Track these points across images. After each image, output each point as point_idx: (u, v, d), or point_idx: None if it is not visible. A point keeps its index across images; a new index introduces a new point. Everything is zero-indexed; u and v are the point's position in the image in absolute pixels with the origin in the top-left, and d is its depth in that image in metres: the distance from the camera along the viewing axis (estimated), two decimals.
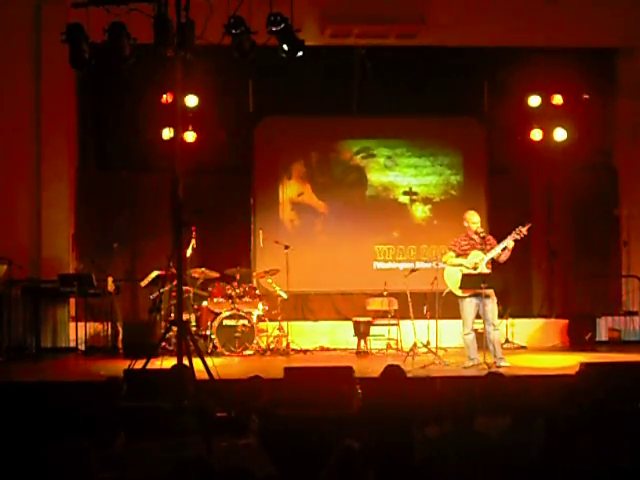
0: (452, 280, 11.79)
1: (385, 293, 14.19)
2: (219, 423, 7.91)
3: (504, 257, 11.64)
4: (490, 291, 11.62)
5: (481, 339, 11.82)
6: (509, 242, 11.52)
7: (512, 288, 15.08)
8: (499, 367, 11.32)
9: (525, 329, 14.92)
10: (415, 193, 15.32)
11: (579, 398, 7.54)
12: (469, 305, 11.68)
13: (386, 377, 8.47)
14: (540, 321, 15.36)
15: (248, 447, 7.24)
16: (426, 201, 15.72)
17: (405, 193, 15.45)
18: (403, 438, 6.82)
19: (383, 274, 15.12)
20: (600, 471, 6.61)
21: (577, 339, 14.81)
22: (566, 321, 15.10)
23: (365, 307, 14.40)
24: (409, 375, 8.90)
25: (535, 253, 15.72)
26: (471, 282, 11.60)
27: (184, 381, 8.53)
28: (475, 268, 11.63)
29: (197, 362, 9.75)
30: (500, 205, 15.55)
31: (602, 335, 15.21)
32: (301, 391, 9.46)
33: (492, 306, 11.66)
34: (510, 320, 14.59)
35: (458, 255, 11.82)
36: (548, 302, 15.89)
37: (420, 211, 15.69)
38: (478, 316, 11.77)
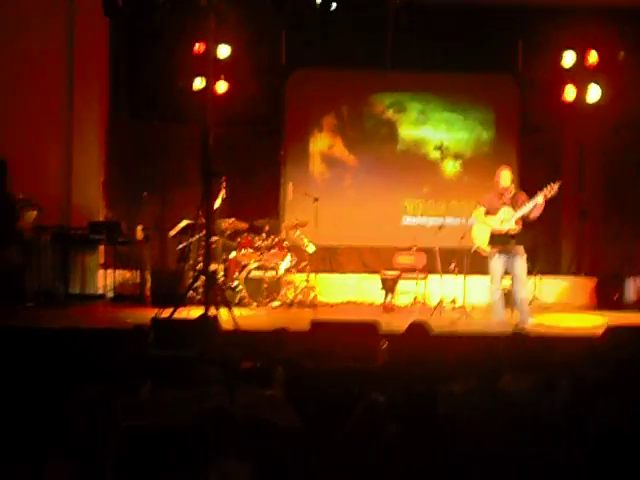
0: (481, 237, 11.76)
1: (414, 248, 14.13)
2: (244, 373, 7.93)
3: (535, 214, 11.56)
4: (519, 248, 11.57)
5: (509, 296, 11.80)
6: (539, 199, 11.43)
7: (541, 246, 15.00)
8: (525, 326, 11.30)
9: (553, 287, 14.86)
10: (446, 148, 15.16)
11: (604, 359, 7.52)
12: (497, 262, 11.64)
13: (411, 334, 8.50)
14: (568, 279, 15.27)
15: (273, 398, 7.27)
16: (457, 157, 15.62)
17: (436, 148, 15.29)
18: (427, 393, 6.82)
19: (412, 229, 15.06)
20: (624, 432, 6.59)
21: (605, 299, 14.76)
22: (594, 280, 15.03)
23: (393, 262, 14.33)
24: (435, 331, 8.89)
25: (565, 212, 15.57)
26: (500, 239, 11.56)
27: (210, 331, 8.58)
28: (504, 224, 11.57)
29: (224, 312, 9.82)
30: (531, 163, 15.41)
31: (630, 296, 15.14)
32: (326, 344, 9.49)
33: (521, 263, 11.60)
34: (538, 277, 14.52)
35: (488, 211, 11.75)
36: (577, 261, 15.76)
37: (451, 167, 15.60)
38: (507, 273, 11.74)
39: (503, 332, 10.70)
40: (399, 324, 11.18)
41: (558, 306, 14.46)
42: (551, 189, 11.43)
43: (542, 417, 6.53)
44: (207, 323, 8.62)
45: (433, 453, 5.56)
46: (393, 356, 9.05)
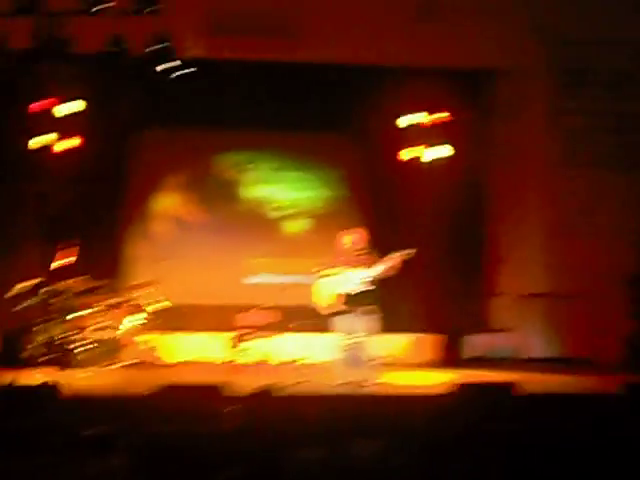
0: (328, 296, 11.73)
1: (258, 307, 14.06)
2: (87, 442, 7.72)
3: (388, 274, 11.63)
4: (367, 308, 11.60)
5: (355, 355, 11.77)
6: (390, 262, 11.47)
7: (384, 303, 15.15)
8: (371, 385, 11.32)
9: (395, 344, 14.89)
10: (290, 208, 15.24)
11: (453, 419, 7.60)
12: (344, 321, 11.61)
13: (255, 397, 8.41)
14: (410, 336, 15.41)
15: (121, 467, 7.09)
16: (301, 216, 15.71)
17: (279, 208, 15.38)
18: (270, 462, 6.72)
19: (257, 288, 15.05)
20: None
21: (447, 356, 15.04)
22: (437, 337, 15.23)
23: (237, 320, 14.23)
24: (281, 393, 8.83)
25: (409, 269, 15.80)
26: (347, 300, 11.57)
27: (49, 398, 8.33)
28: (353, 284, 11.58)
29: (64, 376, 9.56)
30: (376, 221, 15.57)
31: (471, 352, 15.43)
32: (170, 408, 9.33)
33: (368, 322, 11.63)
34: (381, 335, 14.61)
35: (334, 272, 11.75)
36: (418, 318, 15.95)
37: (295, 226, 15.67)
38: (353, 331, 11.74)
39: (352, 392, 10.83)
40: (246, 384, 11.13)
41: (401, 364, 14.51)
42: (403, 255, 11.47)
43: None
44: (45, 390, 8.37)
45: None
46: (239, 421, 8.97)
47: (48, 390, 8.26)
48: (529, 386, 10.26)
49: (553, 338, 15.33)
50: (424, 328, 15.66)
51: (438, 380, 12.09)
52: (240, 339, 13.76)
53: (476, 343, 15.61)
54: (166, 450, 7.60)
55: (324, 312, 11.63)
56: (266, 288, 14.63)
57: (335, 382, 11.47)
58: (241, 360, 13.70)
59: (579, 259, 15.20)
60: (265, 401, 8.23)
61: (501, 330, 15.75)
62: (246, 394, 8.92)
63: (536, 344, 15.59)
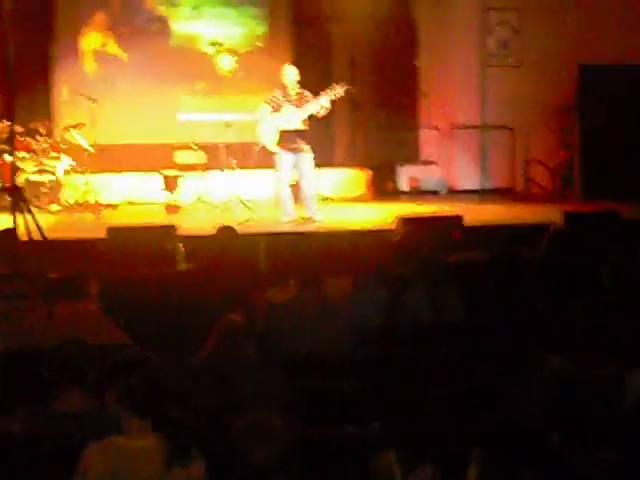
0: (267, 135, 11.80)
1: (194, 146, 14.04)
2: (54, 287, 7.81)
3: (319, 114, 11.72)
4: (306, 146, 11.72)
5: (297, 192, 11.94)
6: (324, 100, 11.55)
7: (315, 138, 15.22)
8: (315, 221, 11.54)
9: (329, 179, 14.98)
10: (220, 44, 15.07)
11: (408, 254, 7.79)
12: (284, 160, 11.73)
13: (219, 237, 8.52)
14: (343, 171, 15.50)
15: (90, 313, 7.21)
16: (232, 52, 15.53)
17: (210, 44, 15.19)
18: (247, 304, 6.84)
19: (190, 126, 14.95)
20: (435, 324, 6.95)
21: (380, 188, 15.28)
22: (369, 171, 15.37)
23: (173, 160, 14.24)
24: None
25: (338, 104, 15.84)
26: (286, 137, 11.65)
27: (11, 244, 8.36)
28: (290, 123, 11.65)
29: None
30: (305, 57, 15.45)
31: (404, 185, 15.70)
32: (126, 251, 9.43)
33: (308, 160, 11.77)
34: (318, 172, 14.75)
35: (274, 109, 11.80)
36: (351, 153, 16.09)
37: (226, 62, 15.49)
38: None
39: (297, 229, 11.01)
40: (189, 225, 11.28)
41: (336, 198, 14.73)
42: (336, 92, 11.54)
43: (363, 318, 6.75)
44: (8, 235, 8.37)
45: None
46: (198, 260, 9.09)
47: (9, 234, 8.27)
48: (467, 218, 10.59)
49: (484, 170, 15.62)
50: (356, 162, 15.82)
51: (381, 214, 12.33)
52: (177, 179, 13.76)
53: (407, 176, 15.86)
54: (134, 293, 7.74)
55: (271, 152, 11.73)
56: (202, 126, 14.56)
57: (282, 219, 11.68)
58: (180, 201, 13.74)
59: (510, 90, 15.40)
60: (227, 239, 8.32)
61: (431, 162, 15.99)
62: (207, 233, 9.05)
63: (466, 176, 15.89)
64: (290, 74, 11.76)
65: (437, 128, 16.00)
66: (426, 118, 16.15)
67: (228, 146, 13.36)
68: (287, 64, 12.03)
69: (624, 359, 4.90)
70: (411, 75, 16.15)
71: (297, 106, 11.68)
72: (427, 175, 15.94)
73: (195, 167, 13.96)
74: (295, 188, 12.05)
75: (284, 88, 11.79)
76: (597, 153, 14.64)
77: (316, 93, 11.70)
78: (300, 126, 11.67)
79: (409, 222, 9.59)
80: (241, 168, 13.00)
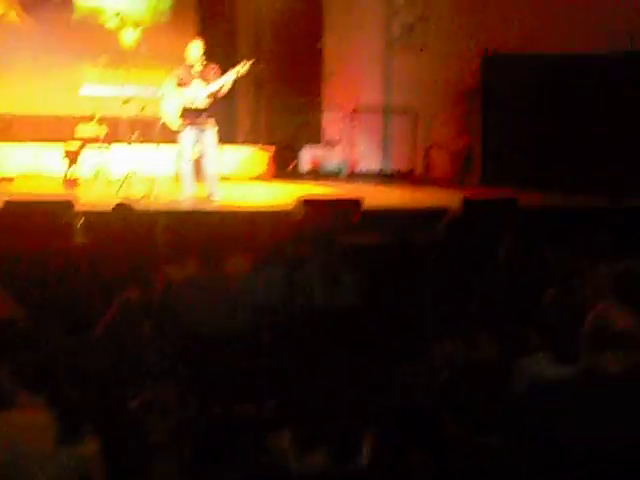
0: (171, 110, 11.71)
1: (95, 118, 13.89)
2: None
3: (224, 91, 11.67)
4: (210, 122, 11.66)
5: (198, 169, 11.86)
6: (230, 75, 11.52)
7: (219, 117, 15.21)
8: (214, 201, 11.51)
9: (230, 158, 14.96)
10: (123, 17, 14.94)
11: (306, 235, 7.83)
12: (188, 136, 11.60)
13: (116, 213, 8.46)
14: (245, 149, 15.51)
15: None
16: (135, 26, 15.39)
17: (113, 16, 15.03)
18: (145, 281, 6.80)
19: (92, 99, 14.79)
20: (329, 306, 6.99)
21: (282, 168, 15.33)
22: (271, 150, 15.40)
23: (74, 132, 14.05)
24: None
25: (242, 82, 15.82)
26: (191, 113, 11.57)
27: None
28: (195, 98, 11.58)
29: None
30: (210, 34, 15.33)
31: (305, 165, 15.77)
32: (22, 224, 9.31)
33: (212, 137, 11.70)
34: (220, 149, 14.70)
35: (180, 84, 11.69)
36: (253, 132, 16.11)
37: (130, 36, 15.37)
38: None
39: (201, 207, 10.98)
40: (88, 199, 11.17)
41: (236, 177, 14.71)
42: (243, 66, 11.53)
43: (262, 299, 6.77)
44: None
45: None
46: (95, 236, 9.02)
47: None
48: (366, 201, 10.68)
49: (386, 153, 15.76)
50: (258, 141, 15.83)
51: (281, 194, 12.39)
52: (77, 152, 13.62)
53: (308, 157, 15.94)
54: (30, 267, 7.66)
55: (174, 127, 11.65)
56: (105, 100, 14.42)
57: (182, 196, 11.63)
58: (79, 174, 13.62)
59: (414, 74, 15.54)
60: (125, 216, 8.27)
61: (334, 144, 16.06)
62: (103, 209, 8.99)
63: (368, 158, 16.02)
64: (195, 49, 11.67)
65: (341, 110, 16.04)
66: (330, 100, 16.22)
67: (131, 121, 13.22)
68: (193, 40, 11.94)
69: (513, 345, 5.02)
70: (317, 56, 16.19)
71: (203, 81, 11.59)
72: (329, 157, 16.02)
73: (96, 141, 13.83)
74: (197, 165, 11.99)
75: (190, 64, 11.71)
76: (498, 140, 14.82)
77: (223, 72, 11.65)
78: (204, 102, 11.60)
79: (308, 203, 9.65)
80: (143, 143, 12.86)
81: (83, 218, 9.68)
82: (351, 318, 6.29)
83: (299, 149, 15.69)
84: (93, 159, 13.72)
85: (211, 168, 11.74)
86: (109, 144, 13.74)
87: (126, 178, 12.34)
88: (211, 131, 11.69)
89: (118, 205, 8.42)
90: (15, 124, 14.80)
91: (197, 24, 15.56)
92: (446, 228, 8.78)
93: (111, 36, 15.20)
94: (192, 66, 11.68)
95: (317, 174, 15.56)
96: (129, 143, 12.91)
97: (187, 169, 11.71)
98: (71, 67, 15.07)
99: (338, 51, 16.13)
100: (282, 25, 15.83)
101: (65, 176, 13.49)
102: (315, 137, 16.18)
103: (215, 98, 11.69)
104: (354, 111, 16.04)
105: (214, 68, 11.71)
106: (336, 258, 7.34)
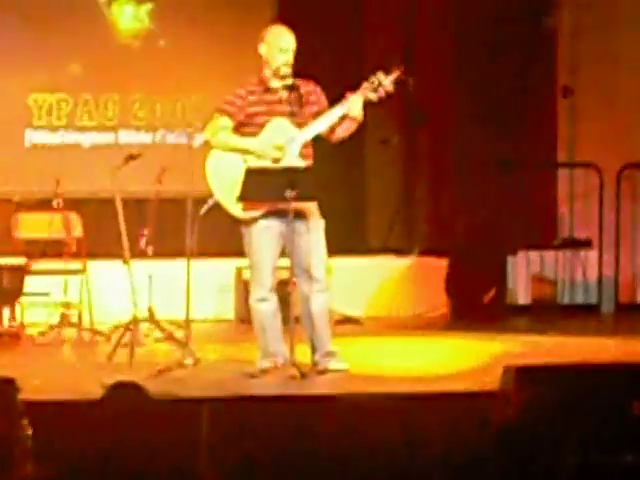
0: (224, 180, 11.70)
1: (57, 202, 14.01)
2: None
3: (343, 133, 11.61)
4: (308, 207, 11.61)
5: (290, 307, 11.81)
6: (354, 103, 11.49)
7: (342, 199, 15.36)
8: (327, 371, 11.42)
9: (360, 280, 15.36)
10: None
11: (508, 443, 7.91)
12: (265, 236, 11.55)
13: (111, 407, 8.49)
14: (388, 263, 16.00)
15: None
16: None
17: None
18: None
19: (47, 155, 15.15)
20: None
21: (466, 301, 15.68)
22: (442, 261, 15.99)
23: (13, 231, 14.25)
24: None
25: (380, 121, 16.02)
26: (266, 186, 11.54)
27: None
28: (279, 153, 11.58)
29: None
30: (326, 17, 15.75)
31: (519, 293, 15.73)
32: None
33: (315, 236, 11.64)
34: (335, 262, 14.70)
35: (240, 126, 11.73)
36: (406, 223, 16.63)
37: (130, 16, 15.70)
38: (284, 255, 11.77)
39: (285, 391, 10.99)
40: (40, 373, 11.38)
41: (372, 322, 14.95)
42: (379, 83, 11.48)
43: None
44: None
45: None
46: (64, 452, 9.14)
47: None
48: None
49: None
50: (415, 246, 16.52)
51: (469, 353, 13.11)
52: (22, 271, 13.86)
53: (525, 273, 16.04)
54: None
55: (238, 214, 11.67)
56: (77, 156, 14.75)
57: (254, 367, 11.59)
58: (23, 319, 14.20)
59: None
60: (128, 408, 8.38)
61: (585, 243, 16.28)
62: (81, 395, 9.14)
63: None
64: (281, 42, 11.68)
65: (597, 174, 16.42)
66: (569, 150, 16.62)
67: (135, 202, 13.39)
68: (271, 28, 11.96)
69: None
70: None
71: (291, 117, 11.61)
72: (571, 269, 16.29)
73: (59, 247, 14.04)
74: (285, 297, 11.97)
75: (263, 77, 11.73)
76: None
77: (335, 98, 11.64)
78: (297, 160, 11.58)
79: (526, 374, 9.62)
80: (158, 255, 13.03)
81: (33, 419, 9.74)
82: None
83: (506, 257, 15.68)
84: (56, 286, 14.08)
85: (317, 302, 11.65)
86: (84, 257, 14.16)
87: (129, 325, 12.42)
88: (312, 224, 11.63)
89: (115, 387, 8.43)
90: None
91: None
92: None
93: (93, 17, 15.56)
94: (272, 80, 11.71)
95: (546, 312, 15.53)
96: (127, 259, 13.05)
97: (266, 307, 11.67)
98: (10, 91, 15.89)
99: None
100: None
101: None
102: (541, 232, 16.48)
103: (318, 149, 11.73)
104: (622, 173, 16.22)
105: (314, 90, 11.71)
106: None
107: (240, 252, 12.06)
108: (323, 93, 11.69)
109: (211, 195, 11.79)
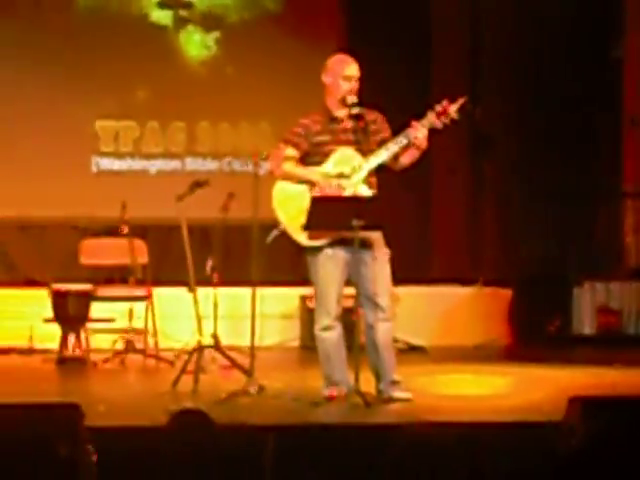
0: (290, 209, 11.70)
1: (123, 228, 14.06)
2: None
3: (406, 161, 11.61)
4: (374, 236, 11.60)
5: (354, 334, 11.81)
6: (419, 132, 11.48)
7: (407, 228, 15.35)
8: (392, 400, 11.42)
9: (425, 309, 15.34)
10: (188, 5, 15.38)
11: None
12: (330, 265, 11.58)
13: (177, 433, 8.52)
14: (453, 292, 15.98)
15: None
16: (210, 23, 15.80)
17: (163, 5, 15.47)
18: None
19: (113, 182, 15.22)
20: None
21: (530, 330, 15.64)
22: (507, 291, 16.04)
23: (79, 257, 14.34)
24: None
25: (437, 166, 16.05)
26: (332, 215, 11.52)
27: None
28: (345, 183, 11.58)
29: None
30: (370, 43, 15.75)
31: (584, 323, 15.70)
32: None
33: (380, 267, 11.64)
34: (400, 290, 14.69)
35: (305, 155, 11.76)
36: (471, 253, 16.58)
37: (198, 44, 15.75)
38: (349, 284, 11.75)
39: (350, 420, 10.98)
40: (106, 396, 11.44)
41: (435, 350, 14.91)
42: (444, 111, 11.49)
43: None
44: None
45: None
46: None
47: None
48: None
49: None
50: (479, 275, 16.53)
51: (532, 384, 12.93)
52: (85, 297, 13.91)
53: (590, 302, 16.04)
54: None
55: (304, 242, 11.67)
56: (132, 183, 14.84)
57: (323, 392, 11.60)
58: (88, 344, 14.01)
59: None
60: (196, 435, 8.42)
61: None
62: (146, 421, 9.18)
63: None
64: (346, 70, 11.68)
65: None
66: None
67: (199, 229, 13.42)
68: (340, 54, 11.96)
69: None
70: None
71: (357, 146, 11.60)
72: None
73: (124, 273, 14.15)
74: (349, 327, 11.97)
75: (328, 106, 11.73)
76: None
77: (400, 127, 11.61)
78: (363, 189, 11.57)
79: (586, 406, 9.60)
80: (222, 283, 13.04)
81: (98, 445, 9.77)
82: None
83: (573, 288, 15.67)
84: (122, 312, 14.24)
85: (382, 331, 11.64)
86: (150, 286, 14.23)
87: (194, 352, 12.47)
88: (378, 253, 11.63)
89: (180, 413, 8.47)
90: None
91: (342, 26, 15.89)
92: None
93: (159, 44, 15.62)
94: (331, 114, 11.69)
95: (611, 342, 15.56)
96: (193, 286, 13.10)
97: (331, 335, 11.68)
98: (76, 119, 16.07)
99: None
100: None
101: (60, 350, 13.99)
102: (606, 262, 16.26)
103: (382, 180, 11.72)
104: None
105: (378, 118, 11.70)
106: None
107: (305, 281, 12.10)
108: (387, 121, 11.69)
109: (277, 223, 11.82)
